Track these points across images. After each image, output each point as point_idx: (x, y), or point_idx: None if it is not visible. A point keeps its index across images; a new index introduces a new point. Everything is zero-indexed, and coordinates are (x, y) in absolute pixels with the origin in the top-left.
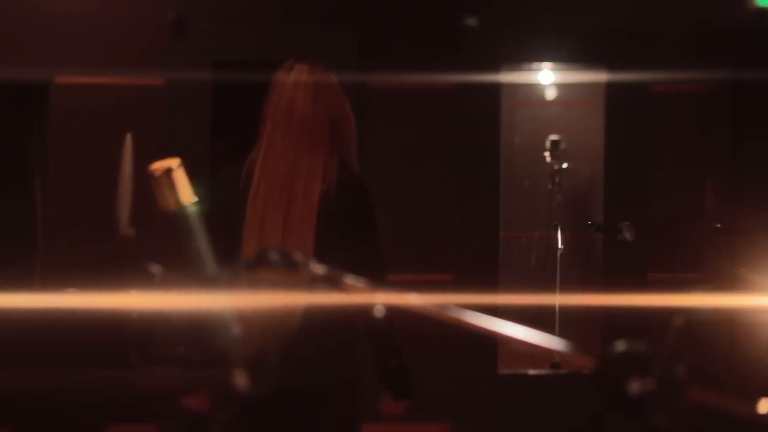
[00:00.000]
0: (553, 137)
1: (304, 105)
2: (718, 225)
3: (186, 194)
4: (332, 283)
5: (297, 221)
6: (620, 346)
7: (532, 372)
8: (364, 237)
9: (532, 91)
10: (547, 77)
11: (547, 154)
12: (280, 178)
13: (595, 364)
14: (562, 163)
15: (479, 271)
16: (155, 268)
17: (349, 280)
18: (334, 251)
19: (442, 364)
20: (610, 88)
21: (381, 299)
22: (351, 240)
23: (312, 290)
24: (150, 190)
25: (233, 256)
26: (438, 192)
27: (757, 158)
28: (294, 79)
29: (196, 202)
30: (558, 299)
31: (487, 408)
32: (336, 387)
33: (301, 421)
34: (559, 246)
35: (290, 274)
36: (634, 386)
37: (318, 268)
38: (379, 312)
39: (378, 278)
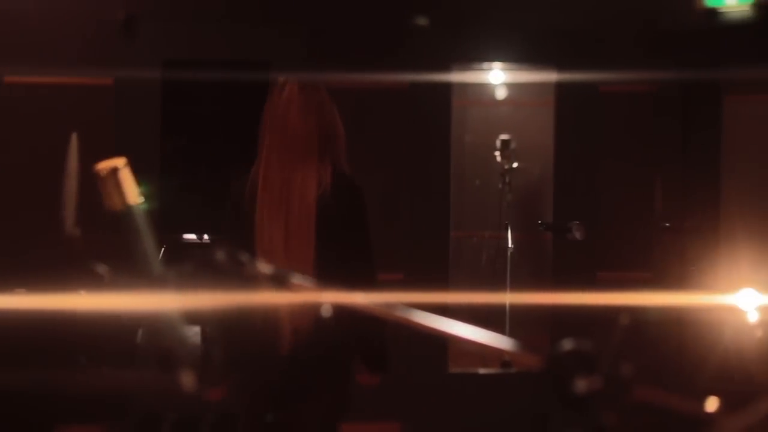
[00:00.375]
0: (504, 137)
1: (295, 120)
2: (667, 224)
3: (132, 194)
4: (279, 281)
5: (296, 225)
6: (567, 344)
7: (482, 371)
8: (356, 233)
9: (483, 90)
10: (497, 77)
11: (497, 153)
12: (278, 187)
13: (542, 362)
14: (512, 163)
15: (430, 270)
16: (102, 269)
17: (297, 279)
18: (332, 249)
19: (392, 363)
20: (560, 88)
21: (328, 298)
22: (346, 236)
23: (259, 289)
24: (96, 190)
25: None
26: (389, 191)
27: (705, 159)
28: (286, 96)
29: (142, 202)
30: (508, 298)
31: (438, 407)
32: (334, 383)
33: (300, 410)
34: (510, 245)
35: (237, 273)
36: (581, 384)
37: (265, 267)
38: (326, 312)
39: (369, 272)
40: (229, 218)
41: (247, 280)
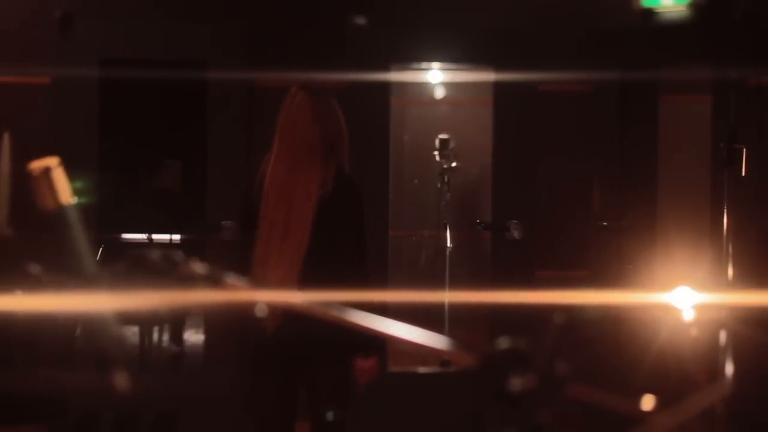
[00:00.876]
0: (442, 136)
1: (303, 124)
2: (605, 223)
3: (65, 193)
4: (213, 281)
5: (296, 219)
6: (502, 343)
7: (421, 370)
8: (353, 231)
9: (422, 90)
10: (436, 76)
11: (436, 153)
12: (283, 184)
13: (477, 361)
14: (451, 162)
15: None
16: (36, 269)
17: (230, 279)
18: (330, 242)
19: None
20: (498, 87)
21: (263, 298)
22: (343, 231)
23: (192, 288)
24: (30, 190)
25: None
26: None
27: (642, 158)
28: (296, 103)
29: (76, 202)
30: (447, 297)
31: (376, 406)
32: (339, 346)
33: (310, 371)
34: (448, 244)
35: (171, 272)
36: (515, 383)
37: (198, 267)
38: (260, 311)
39: (362, 262)
40: (243, 208)
41: (181, 279)
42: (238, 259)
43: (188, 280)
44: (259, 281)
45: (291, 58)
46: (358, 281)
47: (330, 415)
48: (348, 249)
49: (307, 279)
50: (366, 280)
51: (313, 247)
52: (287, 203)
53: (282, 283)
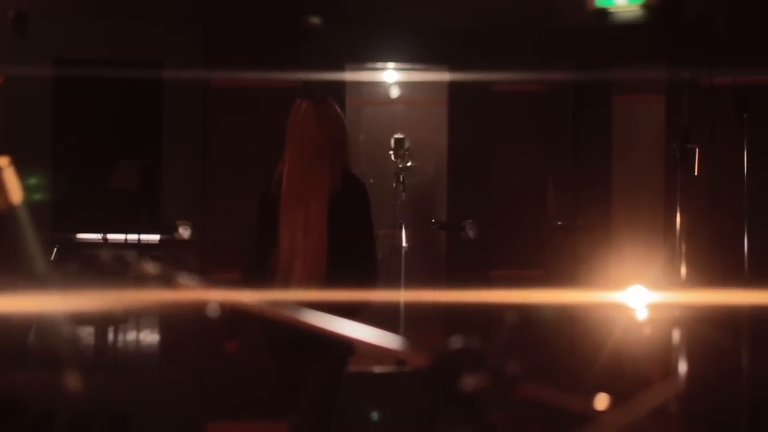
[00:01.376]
0: (398, 136)
1: (310, 130)
2: (559, 222)
3: (15, 194)
4: (165, 281)
5: (314, 215)
6: (455, 342)
7: (377, 369)
8: (362, 222)
9: (377, 89)
10: (391, 76)
11: (391, 152)
12: (298, 183)
13: (430, 360)
14: (406, 162)
15: None
16: None
17: (182, 278)
18: (342, 234)
19: None
20: (453, 87)
21: (215, 297)
22: (354, 225)
23: (144, 288)
24: None
25: (273, 240)
26: None
27: (596, 158)
28: (303, 111)
29: (26, 202)
30: (403, 296)
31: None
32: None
33: (312, 355)
34: (404, 244)
35: (122, 273)
36: (468, 382)
37: (150, 267)
38: (213, 311)
39: (371, 248)
40: (258, 208)
41: (133, 279)
42: (258, 258)
43: (141, 280)
44: (284, 276)
45: (246, 57)
46: (370, 268)
47: (375, 415)
48: (360, 240)
49: (330, 268)
50: (375, 267)
51: (331, 240)
52: (304, 202)
53: (310, 275)
